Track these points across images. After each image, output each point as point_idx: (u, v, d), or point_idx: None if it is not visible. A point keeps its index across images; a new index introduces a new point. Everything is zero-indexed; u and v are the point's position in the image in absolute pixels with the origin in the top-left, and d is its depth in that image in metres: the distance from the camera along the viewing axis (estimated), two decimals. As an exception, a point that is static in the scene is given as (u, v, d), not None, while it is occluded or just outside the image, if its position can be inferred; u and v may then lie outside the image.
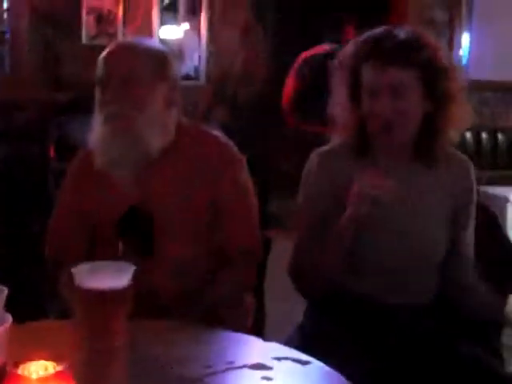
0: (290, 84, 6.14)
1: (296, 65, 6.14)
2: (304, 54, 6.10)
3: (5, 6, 5.82)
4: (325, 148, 2.13)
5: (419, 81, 1.93)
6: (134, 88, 2.01)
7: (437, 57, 1.96)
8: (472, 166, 2.11)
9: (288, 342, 1.81)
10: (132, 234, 2.09)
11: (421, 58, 1.92)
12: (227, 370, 1.53)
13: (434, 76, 1.94)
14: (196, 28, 6.43)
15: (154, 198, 2.08)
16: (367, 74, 1.95)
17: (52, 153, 5.09)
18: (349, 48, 2.03)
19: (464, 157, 2.13)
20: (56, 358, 1.25)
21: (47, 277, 2.19)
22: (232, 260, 2.10)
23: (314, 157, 2.12)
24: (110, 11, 6.15)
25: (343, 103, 2.05)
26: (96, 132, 2.06)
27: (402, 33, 1.95)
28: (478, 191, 2.12)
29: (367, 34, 2.00)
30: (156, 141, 2.06)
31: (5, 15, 5.82)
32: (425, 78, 1.93)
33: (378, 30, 1.99)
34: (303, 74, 5.92)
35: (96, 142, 2.06)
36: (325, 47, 5.55)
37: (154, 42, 2.23)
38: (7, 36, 5.82)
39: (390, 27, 2.00)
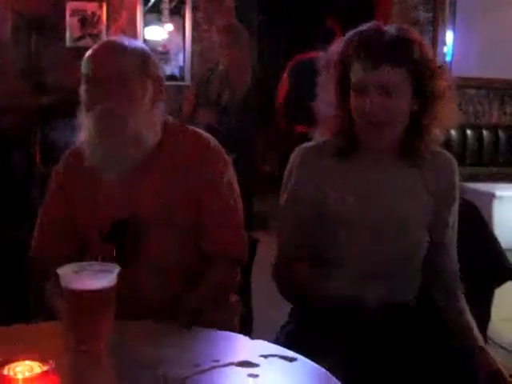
0: (282, 87, 6.17)
1: (288, 68, 6.16)
2: (296, 58, 6.12)
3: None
4: (308, 144, 2.12)
5: (409, 79, 1.92)
6: (124, 85, 2.00)
7: (426, 55, 1.95)
8: (456, 164, 2.11)
9: (275, 342, 1.81)
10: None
11: (411, 57, 1.91)
12: (213, 368, 1.53)
13: (424, 74, 1.93)
14: (180, 29, 6.43)
15: (141, 200, 2.07)
16: (357, 71, 1.93)
17: (37, 158, 5.08)
18: (337, 45, 2.01)
19: (448, 155, 2.12)
20: (42, 360, 1.25)
21: (31, 281, 2.18)
22: (217, 261, 2.10)
23: (296, 154, 2.11)
24: (93, 13, 6.14)
25: (330, 101, 2.04)
26: (86, 130, 2.05)
27: (390, 30, 1.94)
28: (462, 188, 2.13)
29: (355, 31, 1.99)
30: (147, 139, 2.06)
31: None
32: (414, 76, 1.93)
33: (366, 27, 1.98)
34: (295, 76, 5.94)
35: (87, 139, 2.05)
36: (318, 53, 5.53)
37: (136, 41, 2.22)
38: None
39: (378, 24, 2.00)
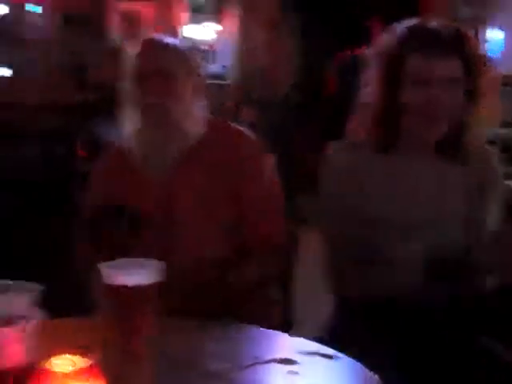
0: (329, 84, 6.15)
1: (335, 65, 6.13)
2: (339, 57, 6.09)
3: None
4: (343, 141, 2.12)
5: (465, 73, 1.92)
6: (167, 81, 2.07)
7: (478, 51, 1.96)
8: (496, 159, 2.09)
9: (316, 339, 1.80)
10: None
11: (469, 51, 1.92)
12: (253, 364, 1.53)
13: (473, 70, 1.93)
14: (225, 28, 6.45)
15: (180, 196, 2.09)
16: (418, 64, 1.91)
17: (79, 154, 5.13)
18: (386, 39, 2.00)
19: (491, 152, 2.09)
20: (84, 354, 1.25)
21: (75, 277, 2.20)
22: (255, 253, 2.11)
23: (331, 150, 2.10)
24: (138, 12, 6.18)
25: (376, 94, 2.02)
26: (130, 125, 2.11)
27: (442, 25, 1.94)
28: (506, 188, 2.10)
29: (405, 25, 1.98)
30: (190, 134, 2.12)
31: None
32: (467, 71, 1.93)
33: (416, 22, 1.98)
34: (341, 74, 5.92)
35: (131, 135, 2.12)
36: (361, 50, 5.51)
37: (178, 39, 2.29)
38: (36, 39, 5.87)
39: (425, 20, 1.99)
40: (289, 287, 2.41)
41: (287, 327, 2.26)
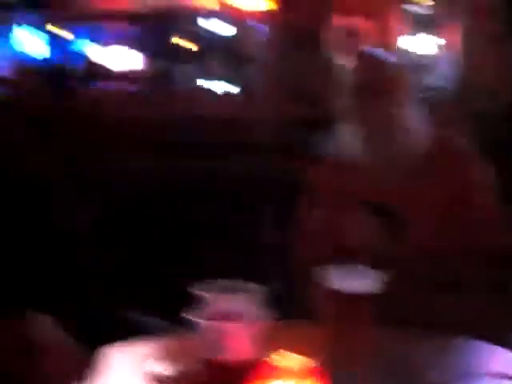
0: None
1: None
2: None
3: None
4: None
5: None
6: (392, 92, 2.17)
7: None
8: None
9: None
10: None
11: None
12: (470, 377, 1.53)
13: None
14: (447, 41, 6.36)
15: (409, 203, 2.15)
16: None
17: (296, 167, 5.22)
18: None
19: None
20: (308, 356, 1.29)
21: (295, 282, 2.28)
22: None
23: None
24: (356, 27, 6.23)
25: None
26: (357, 135, 2.20)
27: None
28: None
29: None
30: (417, 145, 2.20)
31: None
32: None
33: None
34: None
35: (359, 144, 2.20)
36: None
37: (396, 53, 2.43)
38: (257, 55, 6.08)
39: None
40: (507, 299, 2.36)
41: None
